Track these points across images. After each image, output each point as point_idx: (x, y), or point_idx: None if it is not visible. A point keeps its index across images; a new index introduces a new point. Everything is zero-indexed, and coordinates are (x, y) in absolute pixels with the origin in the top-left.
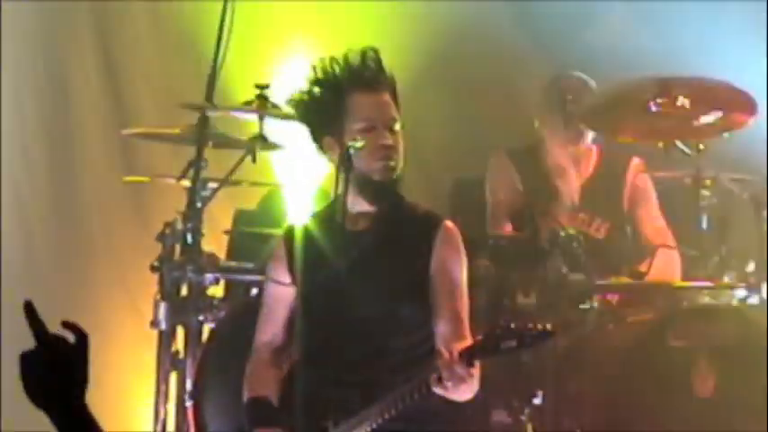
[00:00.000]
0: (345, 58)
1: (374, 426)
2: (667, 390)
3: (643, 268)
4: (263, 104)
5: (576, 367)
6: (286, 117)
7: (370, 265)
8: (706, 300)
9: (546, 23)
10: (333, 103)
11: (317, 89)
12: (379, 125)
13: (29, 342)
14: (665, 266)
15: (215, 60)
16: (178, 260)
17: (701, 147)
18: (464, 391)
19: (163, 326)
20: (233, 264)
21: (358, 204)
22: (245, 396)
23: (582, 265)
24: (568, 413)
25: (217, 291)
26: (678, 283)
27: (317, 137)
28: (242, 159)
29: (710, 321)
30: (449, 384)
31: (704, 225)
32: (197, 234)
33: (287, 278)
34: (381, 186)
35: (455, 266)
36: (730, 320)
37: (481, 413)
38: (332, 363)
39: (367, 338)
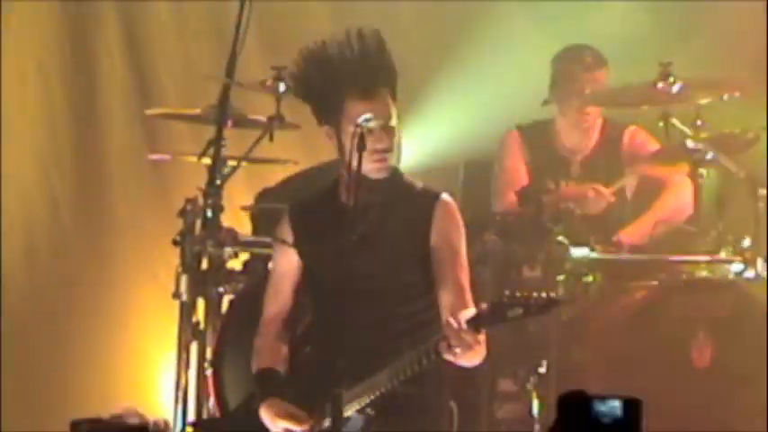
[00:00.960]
0: (345, 56)
1: (384, 390)
2: (666, 360)
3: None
4: (279, 87)
5: (578, 338)
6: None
7: (373, 239)
8: (704, 273)
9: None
10: (331, 104)
11: (316, 85)
12: (375, 130)
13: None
14: (677, 200)
15: (235, 41)
16: (199, 235)
17: (699, 123)
18: (472, 357)
19: (184, 297)
20: (251, 238)
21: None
22: (254, 367)
23: (584, 239)
24: (571, 382)
25: (236, 264)
26: (677, 257)
27: (317, 120)
28: (260, 138)
29: (708, 294)
30: (457, 351)
31: (701, 201)
32: (217, 210)
33: (293, 252)
34: (375, 184)
35: (454, 238)
36: (727, 293)
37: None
38: (340, 330)
39: (373, 306)
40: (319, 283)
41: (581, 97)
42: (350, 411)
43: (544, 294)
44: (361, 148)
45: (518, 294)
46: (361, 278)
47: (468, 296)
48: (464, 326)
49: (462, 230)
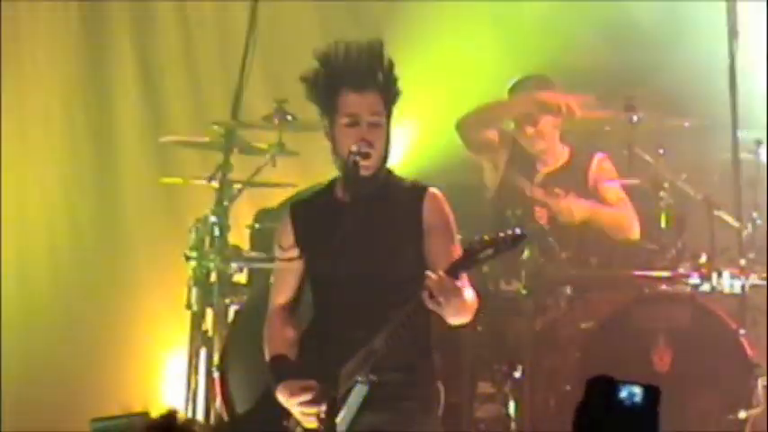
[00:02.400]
0: (341, 56)
1: (381, 354)
2: (630, 365)
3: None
4: (281, 117)
5: (550, 346)
6: (301, 128)
7: (368, 231)
8: (664, 287)
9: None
10: (326, 98)
11: (316, 83)
12: (362, 122)
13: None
14: (623, 214)
15: (240, 80)
16: (207, 251)
17: (661, 151)
18: (458, 310)
19: (195, 308)
20: (255, 254)
21: None
22: (267, 355)
23: (556, 256)
24: (544, 385)
25: (241, 278)
26: (638, 273)
27: (320, 113)
28: (263, 165)
29: (668, 306)
30: (441, 299)
31: (662, 223)
32: (224, 229)
33: (293, 248)
34: (354, 180)
35: (445, 226)
36: (685, 305)
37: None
38: (341, 314)
39: (369, 293)
40: (319, 274)
41: (533, 122)
42: (351, 382)
43: (510, 232)
44: (355, 172)
45: (486, 237)
46: (356, 269)
47: (463, 278)
48: (442, 274)
49: (451, 219)
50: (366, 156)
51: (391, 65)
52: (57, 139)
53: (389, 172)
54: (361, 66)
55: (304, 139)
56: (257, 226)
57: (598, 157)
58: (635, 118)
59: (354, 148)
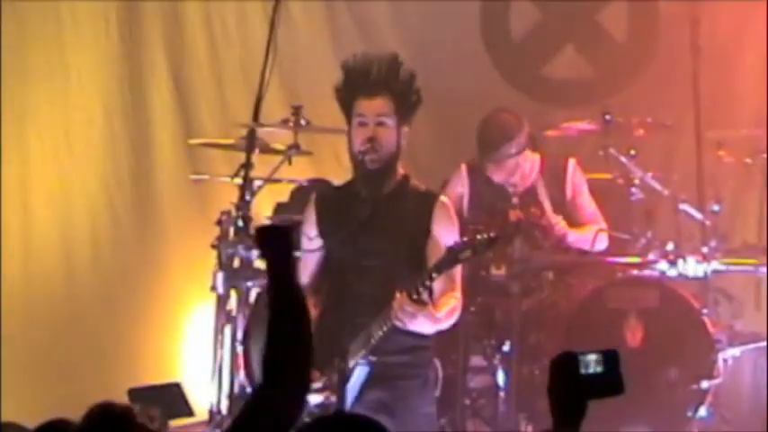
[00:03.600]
0: (359, 67)
1: (378, 339)
2: (605, 341)
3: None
4: (297, 121)
5: (535, 324)
6: (313, 131)
7: (381, 226)
8: (635, 272)
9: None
10: (345, 104)
11: (340, 87)
12: (370, 122)
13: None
14: (589, 236)
15: (260, 89)
16: (232, 240)
17: (633, 152)
18: (421, 325)
19: (220, 290)
20: None
21: None
22: None
23: (540, 244)
24: (529, 359)
25: (261, 264)
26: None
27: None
28: (281, 163)
29: (639, 288)
30: (405, 320)
31: (633, 214)
32: (247, 220)
33: (318, 238)
34: (365, 174)
35: (449, 233)
36: (654, 288)
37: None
38: (351, 301)
39: (378, 282)
40: (335, 262)
41: (495, 158)
42: (354, 362)
43: (485, 235)
44: (363, 165)
45: (465, 239)
46: (368, 258)
47: (456, 283)
48: (405, 298)
49: (456, 227)
50: (370, 150)
51: (410, 76)
52: (97, 140)
53: (406, 177)
54: (373, 75)
55: (316, 140)
56: (274, 217)
57: (572, 163)
58: (610, 123)
59: (361, 146)
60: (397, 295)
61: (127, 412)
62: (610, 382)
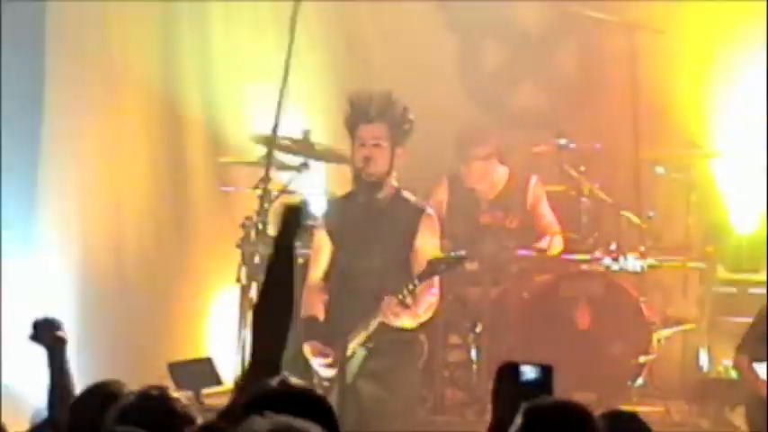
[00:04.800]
0: (362, 101)
1: (371, 330)
2: (559, 324)
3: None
4: (306, 143)
5: (502, 309)
6: (320, 152)
7: (376, 232)
8: (584, 267)
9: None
10: (350, 128)
11: (346, 120)
12: (367, 143)
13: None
14: (554, 244)
15: (277, 117)
16: (253, 240)
17: (582, 168)
18: (405, 321)
19: (244, 281)
20: None
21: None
22: (302, 314)
23: (506, 243)
24: (497, 338)
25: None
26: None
27: None
28: (293, 178)
29: (587, 280)
30: (391, 318)
31: (583, 220)
32: (265, 224)
33: (325, 237)
34: (362, 184)
35: (431, 242)
36: (600, 279)
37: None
38: (350, 298)
39: (372, 279)
40: (339, 258)
41: (468, 157)
42: (354, 345)
43: (456, 254)
44: (359, 178)
45: (442, 256)
46: (366, 258)
47: (435, 282)
48: (393, 300)
49: (437, 234)
50: (366, 166)
51: (404, 109)
52: (144, 160)
53: (398, 189)
54: (372, 107)
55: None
56: None
57: (533, 180)
58: (563, 146)
59: (360, 162)
60: (386, 298)
61: (171, 398)
62: (541, 388)
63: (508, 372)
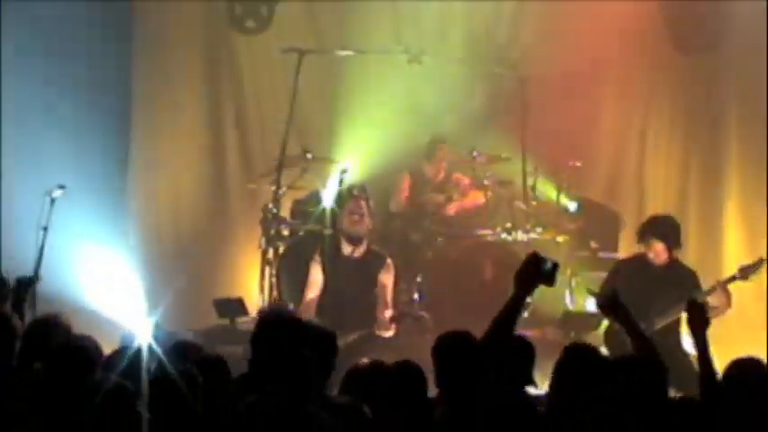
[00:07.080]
0: (351, 190)
1: (354, 345)
2: (471, 276)
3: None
4: (306, 154)
5: (435, 265)
6: (316, 162)
7: (354, 271)
8: (489, 238)
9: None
10: (341, 202)
11: (341, 193)
12: (356, 212)
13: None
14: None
15: (285, 133)
16: (270, 220)
17: (488, 174)
18: (388, 333)
19: (263, 247)
20: (291, 221)
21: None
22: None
23: (439, 225)
24: (433, 284)
25: (285, 232)
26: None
27: None
28: (297, 178)
29: (492, 248)
30: (384, 333)
31: (489, 207)
32: (278, 209)
33: (320, 272)
34: (352, 239)
35: (390, 282)
36: (500, 248)
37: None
38: (332, 321)
39: (353, 308)
40: (330, 287)
41: (432, 154)
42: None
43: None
44: (347, 234)
45: (398, 310)
46: (346, 293)
47: (390, 311)
48: (386, 320)
49: (393, 278)
50: (353, 227)
51: (368, 195)
52: (197, 164)
53: (370, 245)
54: (356, 191)
55: (317, 165)
56: (293, 207)
57: (456, 175)
58: (476, 156)
59: (349, 226)
60: (378, 317)
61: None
62: (552, 276)
63: (535, 260)
